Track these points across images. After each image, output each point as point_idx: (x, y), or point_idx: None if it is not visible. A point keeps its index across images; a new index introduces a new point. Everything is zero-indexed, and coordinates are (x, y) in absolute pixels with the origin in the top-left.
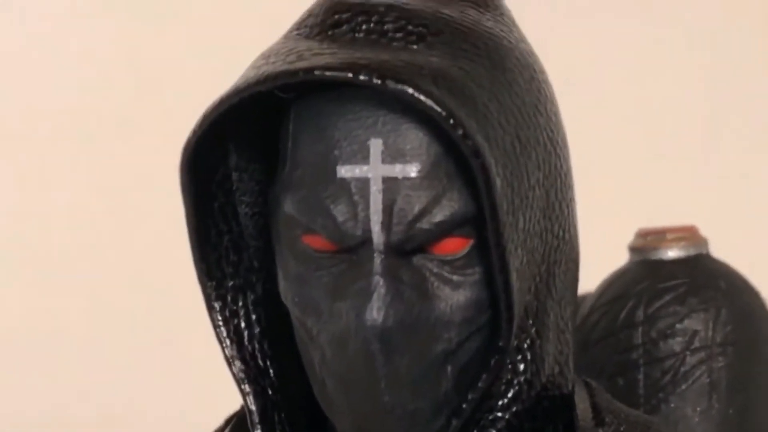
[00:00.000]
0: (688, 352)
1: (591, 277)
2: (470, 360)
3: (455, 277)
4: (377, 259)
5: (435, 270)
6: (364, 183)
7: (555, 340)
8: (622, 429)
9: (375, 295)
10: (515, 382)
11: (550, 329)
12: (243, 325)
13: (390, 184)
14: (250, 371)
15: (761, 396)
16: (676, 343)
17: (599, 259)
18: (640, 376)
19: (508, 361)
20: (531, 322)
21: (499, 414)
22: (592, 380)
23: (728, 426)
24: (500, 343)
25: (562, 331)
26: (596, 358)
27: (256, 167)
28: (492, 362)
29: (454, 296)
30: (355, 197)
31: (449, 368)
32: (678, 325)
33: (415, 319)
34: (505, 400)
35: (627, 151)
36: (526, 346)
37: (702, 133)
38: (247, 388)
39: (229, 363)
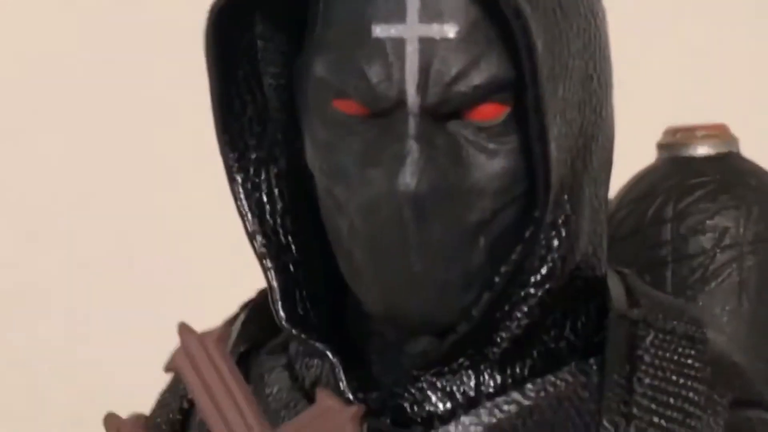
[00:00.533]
0: (717, 250)
1: (617, 176)
2: (504, 232)
3: (491, 145)
4: (412, 123)
5: (471, 137)
6: (399, 43)
7: (589, 218)
8: (657, 312)
9: (409, 160)
10: (549, 258)
11: (585, 206)
12: (265, 199)
13: (427, 44)
14: (271, 246)
15: None
16: (706, 240)
17: (626, 158)
18: (668, 273)
19: (543, 236)
20: (566, 197)
21: (532, 290)
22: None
23: (758, 326)
24: (536, 214)
25: (596, 210)
26: (623, 254)
27: (282, 37)
28: (527, 234)
29: (490, 164)
30: (390, 58)
31: (482, 239)
32: (708, 222)
33: (449, 186)
34: (539, 277)
35: (657, 46)
36: (560, 221)
37: (740, 33)
38: (268, 263)
39: (251, 238)
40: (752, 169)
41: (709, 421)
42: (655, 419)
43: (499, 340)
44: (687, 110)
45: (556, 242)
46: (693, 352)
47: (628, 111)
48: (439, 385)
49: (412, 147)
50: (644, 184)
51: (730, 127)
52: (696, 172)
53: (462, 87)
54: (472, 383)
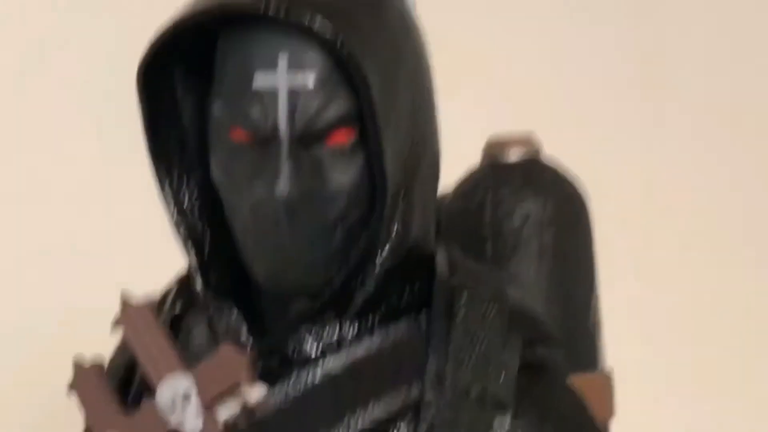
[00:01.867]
0: (524, 228)
1: (453, 174)
2: (355, 224)
3: (343, 162)
4: (284, 148)
5: (328, 156)
6: (273, 90)
7: (420, 211)
8: (469, 278)
9: (282, 175)
10: (389, 241)
11: (416, 203)
12: (186, 200)
13: (293, 90)
14: (190, 234)
15: (577, 259)
16: (515, 221)
17: (459, 161)
18: (488, 246)
19: (384, 226)
20: (402, 197)
21: (378, 265)
22: (451, 246)
23: (553, 280)
24: (377, 210)
25: (425, 207)
26: (456, 233)
27: (194, 83)
28: (371, 225)
29: (343, 176)
30: (266, 101)
31: (338, 230)
32: (516, 208)
33: (312, 193)
34: (382, 255)
35: (486, 76)
36: (397, 215)
37: (552, 62)
38: (189, 245)
39: (176, 227)
40: (549, 169)
41: (506, 356)
42: (466, 357)
43: (355, 301)
44: (505, 125)
45: (394, 230)
46: (494, 307)
47: (461, 127)
48: (312, 333)
49: (284, 165)
50: (472, 181)
51: (536, 137)
52: (508, 172)
53: (319, 122)
54: (336, 332)
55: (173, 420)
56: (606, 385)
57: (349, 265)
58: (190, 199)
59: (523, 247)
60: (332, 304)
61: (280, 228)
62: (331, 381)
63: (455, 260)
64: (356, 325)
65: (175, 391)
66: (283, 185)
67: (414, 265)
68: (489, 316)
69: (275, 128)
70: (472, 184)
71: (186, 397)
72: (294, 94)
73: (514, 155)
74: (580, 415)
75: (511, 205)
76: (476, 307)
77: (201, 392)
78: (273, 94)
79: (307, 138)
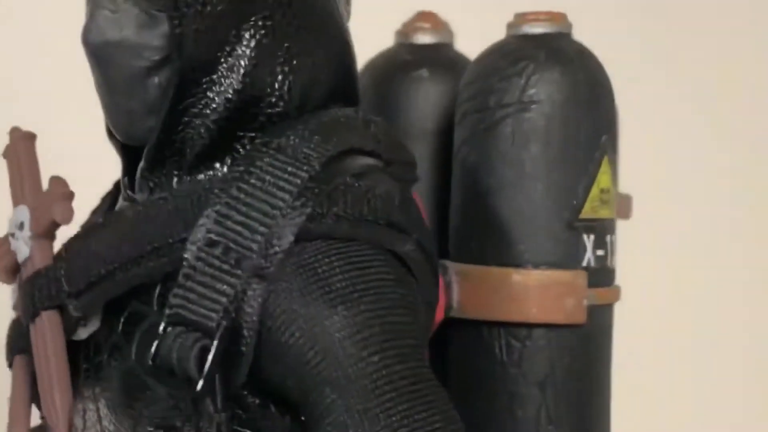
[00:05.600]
0: (498, 108)
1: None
2: (172, 75)
3: (151, 17)
4: None
5: (137, 9)
6: None
7: (259, 69)
8: (292, 139)
9: (87, 22)
10: (212, 97)
11: (246, 60)
12: None
13: None
14: None
15: (556, 144)
16: (490, 100)
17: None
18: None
19: (204, 80)
20: (226, 53)
21: (199, 120)
22: (376, 118)
23: (536, 164)
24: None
25: (270, 64)
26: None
27: None
28: (187, 82)
29: (151, 31)
30: None
31: (156, 80)
32: (496, 85)
33: (117, 42)
34: (204, 111)
35: None
36: (219, 71)
37: None
38: None
39: None
40: (573, 47)
41: (282, 222)
42: (233, 220)
43: (186, 154)
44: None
45: (215, 88)
46: (294, 172)
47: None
48: (146, 183)
49: (91, 12)
50: (485, 53)
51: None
52: (521, 48)
53: None
54: (164, 185)
55: (13, 245)
56: (577, 283)
57: (173, 118)
58: None
59: (496, 127)
60: (161, 154)
61: (96, 73)
62: (112, 225)
63: (305, 121)
64: (189, 176)
65: (16, 219)
66: (86, 30)
67: (251, 123)
68: (280, 180)
69: None
70: (483, 55)
71: (21, 226)
72: None
73: (538, 29)
74: (357, 285)
75: (504, 82)
76: (274, 168)
77: (34, 222)
78: None
79: None
